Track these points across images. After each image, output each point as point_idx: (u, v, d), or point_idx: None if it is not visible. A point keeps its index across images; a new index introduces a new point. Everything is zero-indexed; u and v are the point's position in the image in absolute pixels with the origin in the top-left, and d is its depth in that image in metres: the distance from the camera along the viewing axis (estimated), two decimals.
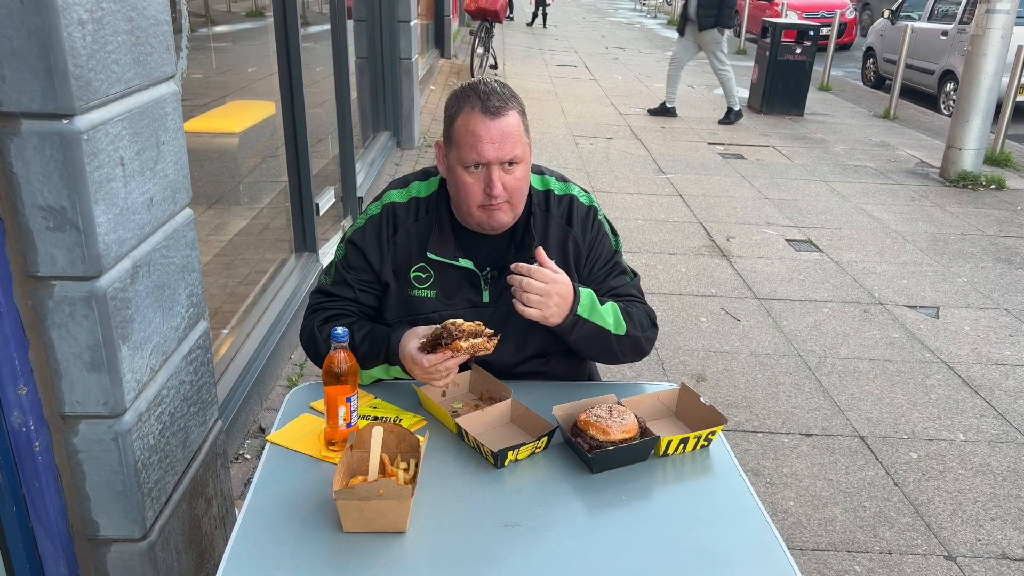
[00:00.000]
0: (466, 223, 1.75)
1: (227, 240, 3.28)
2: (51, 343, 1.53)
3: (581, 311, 1.66)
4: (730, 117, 9.04)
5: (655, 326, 1.86)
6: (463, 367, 1.75)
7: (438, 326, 1.57)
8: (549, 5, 19.14)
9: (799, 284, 4.71)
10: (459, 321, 1.55)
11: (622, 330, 1.75)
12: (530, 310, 1.62)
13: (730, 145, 8.11)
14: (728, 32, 8.77)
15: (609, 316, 1.72)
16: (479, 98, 1.62)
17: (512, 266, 1.64)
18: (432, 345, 1.57)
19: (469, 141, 1.62)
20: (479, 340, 1.55)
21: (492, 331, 1.58)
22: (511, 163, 1.64)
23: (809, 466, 3.02)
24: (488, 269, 1.77)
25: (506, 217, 1.70)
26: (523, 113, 1.68)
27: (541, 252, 1.65)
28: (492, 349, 1.57)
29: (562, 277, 1.64)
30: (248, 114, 3.64)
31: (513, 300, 1.63)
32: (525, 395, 1.69)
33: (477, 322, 1.57)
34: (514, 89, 1.71)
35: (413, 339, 1.63)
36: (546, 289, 1.61)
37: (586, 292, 1.69)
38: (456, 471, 1.52)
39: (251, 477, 1.52)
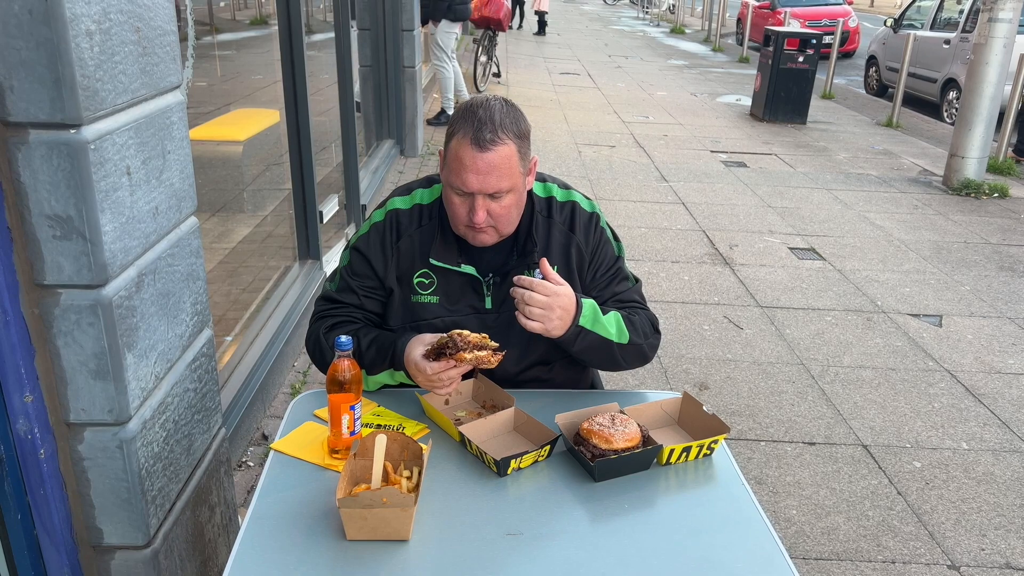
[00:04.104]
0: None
1: (231, 248, 3.29)
2: (57, 351, 1.54)
3: (583, 322, 1.67)
4: (440, 119, 8.64)
5: (658, 332, 1.86)
6: (467, 375, 1.76)
7: (444, 335, 1.58)
8: (546, 13, 19.24)
9: (802, 292, 4.72)
10: (465, 332, 1.56)
11: (625, 339, 1.75)
12: (533, 323, 1.62)
13: (733, 153, 8.12)
14: (447, 27, 8.26)
15: (612, 326, 1.73)
16: (472, 127, 1.60)
17: (515, 279, 1.65)
18: (437, 354, 1.58)
19: (456, 168, 1.63)
20: (483, 353, 1.56)
21: (497, 345, 1.59)
22: (496, 194, 1.64)
23: (812, 475, 3.01)
24: (491, 275, 1.77)
25: (490, 240, 1.71)
26: (521, 138, 1.65)
27: (545, 263, 1.65)
28: (496, 364, 1.58)
29: (564, 289, 1.64)
30: (252, 122, 3.66)
31: (516, 313, 1.64)
32: (528, 403, 1.69)
33: (483, 335, 1.58)
34: (517, 103, 1.70)
35: (419, 346, 1.64)
36: (548, 302, 1.61)
37: (588, 303, 1.69)
38: (459, 479, 1.52)
39: (254, 484, 1.52)
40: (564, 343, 1.69)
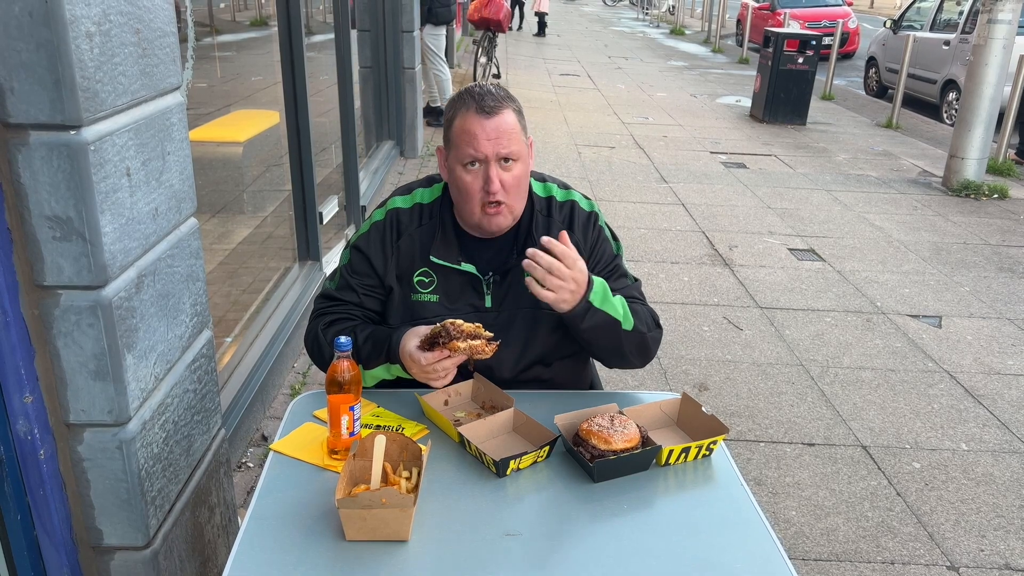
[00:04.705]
0: (467, 227, 1.77)
1: (231, 249, 3.29)
2: (57, 352, 1.54)
3: (593, 299, 1.65)
4: (440, 119, 8.58)
5: (659, 327, 1.86)
6: (466, 376, 1.76)
7: (438, 324, 1.58)
8: (546, 14, 19.31)
9: (801, 293, 4.72)
10: (458, 321, 1.56)
11: (630, 324, 1.74)
12: (547, 292, 1.59)
13: (732, 154, 8.13)
14: (431, 31, 8.28)
15: (619, 307, 1.72)
16: (474, 99, 1.67)
17: (544, 240, 1.59)
18: (430, 344, 1.58)
19: (465, 139, 1.66)
20: (477, 342, 1.55)
21: (491, 335, 1.58)
22: (508, 160, 1.66)
23: (811, 476, 3.01)
24: (491, 274, 1.78)
25: (505, 220, 1.73)
26: (519, 113, 1.71)
27: (565, 236, 1.62)
28: (490, 354, 1.58)
29: (583, 264, 1.64)
30: (252, 123, 3.66)
31: (527, 278, 1.60)
32: (527, 404, 1.70)
33: (477, 324, 1.58)
34: (516, 97, 1.74)
35: (413, 338, 1.64)
36: (570, 274, 1.60)
37: (599, 281, 1.68)
38: (458, 480, 1.53)
39: (254, 485, 1.53)
40: (572, 319, 1.67)
